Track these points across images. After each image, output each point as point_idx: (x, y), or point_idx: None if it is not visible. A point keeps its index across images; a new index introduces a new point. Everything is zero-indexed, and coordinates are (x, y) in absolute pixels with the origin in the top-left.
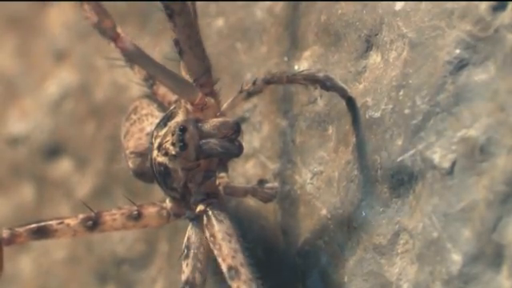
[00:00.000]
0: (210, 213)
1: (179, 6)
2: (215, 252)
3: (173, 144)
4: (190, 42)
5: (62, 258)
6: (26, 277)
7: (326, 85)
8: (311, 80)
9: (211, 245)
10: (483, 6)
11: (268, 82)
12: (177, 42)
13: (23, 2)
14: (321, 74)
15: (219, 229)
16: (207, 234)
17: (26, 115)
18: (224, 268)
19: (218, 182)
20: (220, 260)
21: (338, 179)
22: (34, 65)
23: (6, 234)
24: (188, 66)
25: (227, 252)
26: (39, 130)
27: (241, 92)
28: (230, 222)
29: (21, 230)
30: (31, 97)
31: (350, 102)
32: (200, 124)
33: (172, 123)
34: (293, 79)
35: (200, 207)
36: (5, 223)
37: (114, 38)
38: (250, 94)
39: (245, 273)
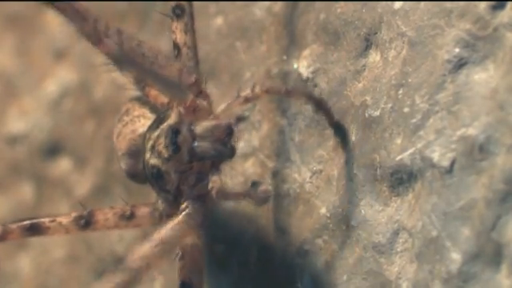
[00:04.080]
0: (180, 214)
1: (113, 50)
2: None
3: (165, 146)
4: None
5: (62, 257)
6: (25, 276)
7: (318, 106)
8: (307, 98)
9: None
10: (482, 4)
11: (267, 91)
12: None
13: (23, 1)
14: (317, 97)
15: (162, 229)
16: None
17: (25, 114)
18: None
19: (210, 186)
20: None
21: (338, 178)
22: (33, 63)
23: None
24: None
25: (143, 247)
26: (38, 129)
27: (238, 97)
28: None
29: (13, 226)
30: (30, 96)
31: (338, 129)
32: (192, 126)
33: (164, 125)
34: (291, 93)
35: (183, 205)
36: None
37: (96, 42)
38: (247, 100)
39: (128, 274)
